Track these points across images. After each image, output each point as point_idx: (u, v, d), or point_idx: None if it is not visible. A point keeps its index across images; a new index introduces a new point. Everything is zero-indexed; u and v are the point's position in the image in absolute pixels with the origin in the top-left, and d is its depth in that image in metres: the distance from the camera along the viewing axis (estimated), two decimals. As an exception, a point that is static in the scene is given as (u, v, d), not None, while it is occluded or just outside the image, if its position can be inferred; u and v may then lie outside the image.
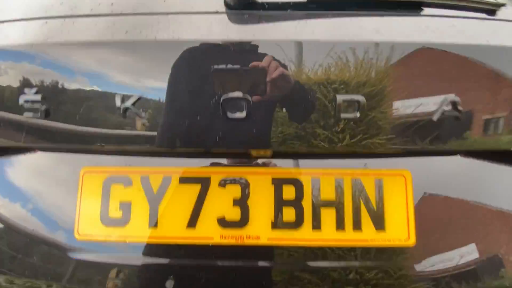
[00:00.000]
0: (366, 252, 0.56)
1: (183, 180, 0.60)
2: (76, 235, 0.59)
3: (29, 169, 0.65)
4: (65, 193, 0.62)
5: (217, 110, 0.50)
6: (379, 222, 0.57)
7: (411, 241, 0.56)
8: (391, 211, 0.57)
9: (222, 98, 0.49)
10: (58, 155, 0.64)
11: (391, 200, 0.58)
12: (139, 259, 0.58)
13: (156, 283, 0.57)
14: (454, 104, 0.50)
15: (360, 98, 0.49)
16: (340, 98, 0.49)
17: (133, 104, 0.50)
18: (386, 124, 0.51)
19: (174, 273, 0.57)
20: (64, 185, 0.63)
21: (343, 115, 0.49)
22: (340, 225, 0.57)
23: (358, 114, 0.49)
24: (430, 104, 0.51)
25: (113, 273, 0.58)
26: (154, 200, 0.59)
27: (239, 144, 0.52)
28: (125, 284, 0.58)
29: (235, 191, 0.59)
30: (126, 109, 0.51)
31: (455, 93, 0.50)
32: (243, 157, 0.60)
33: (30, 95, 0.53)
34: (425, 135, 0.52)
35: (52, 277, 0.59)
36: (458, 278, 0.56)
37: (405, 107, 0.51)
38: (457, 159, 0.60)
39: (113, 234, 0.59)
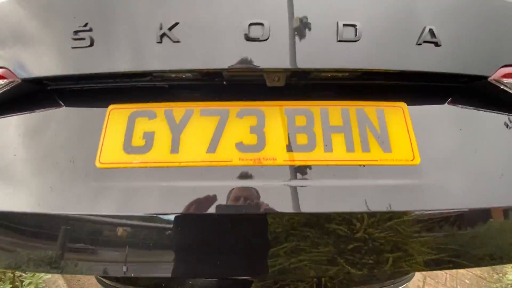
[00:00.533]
0: (375, 171, 0.54)
1: (204, 112, 0.59)
2: (97, 163, 0.55)
3: (56, 122, 0.63)
4: (91, 129, 0.59)
5: (239, 32, 0.52)
6: (385, 145, 0.56)
7: (416, 160, 0.55)
8: (394, 136, 0.57)
9: (244, 22, 0.51)
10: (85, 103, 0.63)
11: (393, 127, 0.57)
12: (158, 183, 0.54)
13: (175, 205, 0.52)
14: (432, 32, 0.54)
15: (358, 23, 0.52)
16: (340, 23, 0.52)
17: (170, 29, 0.52)
18: (381, 47, 0.54)
19: (194, 195, 0.52)
20: (90, 123, 0.60)
21: (344, 37, 0.52)
22: (350, 147, 0.55)
23: (356, 38, 0.52)
24: (414, 31, 0.55)
25: (132, 197, 0.53)
26: (176, 129, 0.57)
27: (257, 63, 0.52)
28: (143, 207, 0.52)
29: (251, 120, 0.58)
30: (163, 34, 0.52)
31: (434, 23, 0.55)
32: (258, 91, 0.60)
33: (76, 26, 0.55)
34: (412, 58, 0.55)
35: (71, 203, 0.53)
36: (459, 191, 0.54)
37: (394, 32, 0.55)
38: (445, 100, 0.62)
39: (135, 161, 0.55)
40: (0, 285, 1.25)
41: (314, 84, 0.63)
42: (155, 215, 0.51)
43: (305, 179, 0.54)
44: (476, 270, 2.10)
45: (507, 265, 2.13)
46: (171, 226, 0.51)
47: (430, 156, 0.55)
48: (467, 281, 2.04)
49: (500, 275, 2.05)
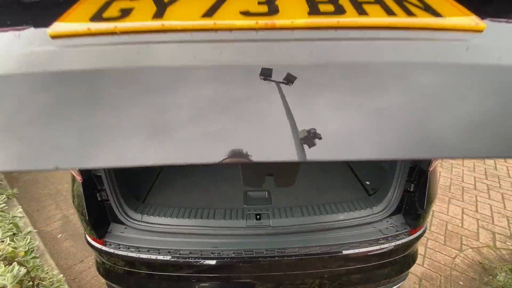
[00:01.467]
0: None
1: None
2: (49, 32, 0.32)
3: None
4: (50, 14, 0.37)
5: None
6: (432, 11, 0.35)
7: (481, 26, 0.33)
8: (440, 6, 0.36)
9: None
10: None
11: (435, 1, 0.37)
12: (131, 46, 0.30)
13: (150, 61, 0.28)
14: None
15: None
16: None
17: None
18: None
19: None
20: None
21: None
22: (389, 11, 0.34)
23: None
24: None
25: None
26: (163, 2, 0.36)
27: None
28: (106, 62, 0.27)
29: (260, -3, 0.37)
30: None
31: None
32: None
33: None
34: None
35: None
36: None
37: None
38: None
39: (102, 27, 0.32)
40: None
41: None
42: (128, 69, 0.27)
43: (338, 39, 0.31)
44: (469, 272, 1.73)
45: (497, 267, 1.76)
46: (143, 78, 0.26)
47: (492, 23, 0.34)
48: (461, 283, 1.67)
49: (490, 277, 1.70)
